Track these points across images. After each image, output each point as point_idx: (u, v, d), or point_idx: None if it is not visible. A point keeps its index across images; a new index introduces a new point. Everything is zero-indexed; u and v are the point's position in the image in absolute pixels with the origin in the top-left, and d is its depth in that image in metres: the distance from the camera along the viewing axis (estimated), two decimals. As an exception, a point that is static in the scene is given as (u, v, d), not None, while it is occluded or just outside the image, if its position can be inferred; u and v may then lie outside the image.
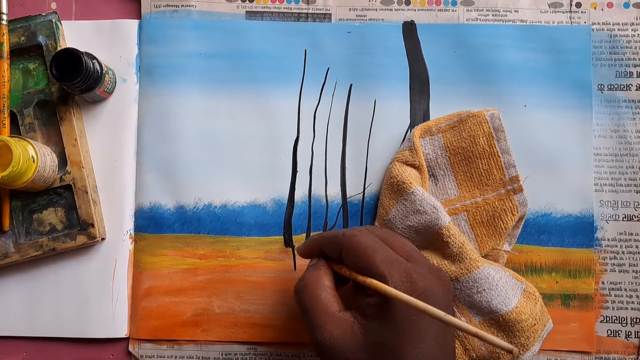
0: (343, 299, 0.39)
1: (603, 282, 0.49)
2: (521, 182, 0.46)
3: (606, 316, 0.48)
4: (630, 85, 0.50)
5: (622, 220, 0.49)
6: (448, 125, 0.48)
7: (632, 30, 0.50)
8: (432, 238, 0.45)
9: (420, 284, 0.37)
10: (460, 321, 0.34)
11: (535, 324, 0.44)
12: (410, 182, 0.45)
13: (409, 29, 0.50)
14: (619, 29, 0.50)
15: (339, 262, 0.40)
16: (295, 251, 0.44)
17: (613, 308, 0.48)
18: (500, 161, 0.47)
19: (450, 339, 0.38)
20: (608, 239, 0.49)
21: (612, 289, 0.49)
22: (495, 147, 0.47)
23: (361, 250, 0.38)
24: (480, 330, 0.33)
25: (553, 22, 0.50)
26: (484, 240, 0.47)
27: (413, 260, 0.39)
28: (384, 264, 0.37)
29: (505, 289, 0.44)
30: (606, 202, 0.49)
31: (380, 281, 0.37)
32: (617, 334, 0.48)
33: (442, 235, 0.44)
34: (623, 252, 0.49)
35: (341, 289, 0.41)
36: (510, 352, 0.32)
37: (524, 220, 0.48)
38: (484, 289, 0.44)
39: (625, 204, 0.49)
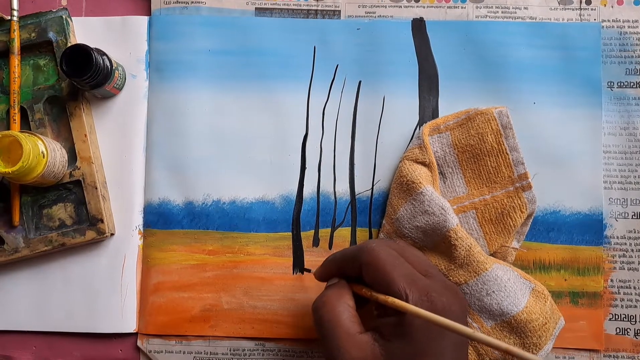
0: (362, 320, 0.39)
1: (612, 280, 0.48)
2: (530, 180, 0.46)
3: (615, 314, 0.48)
4: (640, 83, 0.49)
5: (632, 218, 0.49)
6: (456, 123, 0.48)
7: (642, 27, 0.50)
8: (439, 240, 0.45)
9: (439, 303, 0.37)
10: (488, 337, 0.33)
11: (546, 323, 0.44)
12: (420, 182, 0.45)
13: (418, 26, 0.50)
14: (629, 26, 0.50)
15: (357, 281, 0.40)
16: (313, 275, 0.43)
17: (622, 306, 0.48)
18: (509, 158, 0.47)
19: (466, 353, 0.39)
20: (617, 237, 0.49)
21: (621, 287, 0.48)
22: (503, 145, 0.47)
23: (381, 265, 0.38)
24: (511, 346, 0.33)
25: (563, 19, 0.50)
26: (492, 237, 0.47)
27: (430, 277, 0.39)
28: (404, 281, 0.37)
29: (514, 289, 0.44)
30: (615, 200, 0.49)
31: (400, 299, 0.36)
32: (625, 332, 0.48)
33: (449, 238, 0.44)
34: (632, 250, 0.48)
35: (359, 310, 0.40)
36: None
37: (532, 217, 0.47)
38: (494, 291, 0.44)
39: (634, 202, 0.49)
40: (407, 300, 0.36)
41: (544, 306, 0.44)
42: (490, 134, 0.47)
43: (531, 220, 0.48)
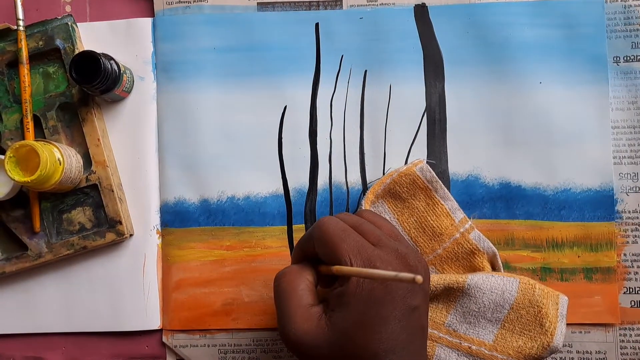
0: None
1: (625, 254, 0.49)
2: (470, 222, 0.48)
3: (629, 287, 0.49)
4: (646, 56, 0.49)
5: (643, 192, 0.49)
6: (384, 190, 0.48)
7: (646, -1, 0.49)
8: None
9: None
10: (402, 273, 0.32)
11: (542, 308, 0.44)
12: None
13: (421, 12, 0.50)
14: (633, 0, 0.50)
15: (322, 262, 0.40)
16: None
17: (636, 279, 0.49)
18: (445, 208, 0.48)
19: (417, 320, 0.37)
20: (629, 211, 0.49)
21: (635, 260, 0.49)
22: (435, 198, 0.48)
23: (329, 239, 0.38)
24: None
25: (566, -4, 0.50)
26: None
27: (381, 246, 0.38)
28: (349, 252, 0.37)
29: (500, 284, 0.45)
30: (626, 175, 0.49)
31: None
32: (640, 304, 0.49)
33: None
34: (644, 224, 0.49)
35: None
36: (412, 281, 0.31)
37: (498, 257, 0.48)
38: (482, 293, 0.45)
39: (645, 176, 0.49)
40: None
41: (532, 296, 0.45)
42: (420, 192, 0.48)
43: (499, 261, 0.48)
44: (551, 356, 0.49)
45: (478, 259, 0.47)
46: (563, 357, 0.49)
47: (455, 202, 0.48)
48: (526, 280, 0.45)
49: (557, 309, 0.45)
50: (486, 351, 0.45)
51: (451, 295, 0.46)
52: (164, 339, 0.50)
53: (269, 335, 0.50)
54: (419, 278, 0.31)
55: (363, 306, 0.36)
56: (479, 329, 0.45)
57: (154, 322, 0.50)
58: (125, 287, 0.50)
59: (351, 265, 0.36)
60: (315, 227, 0.39)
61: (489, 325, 0.45)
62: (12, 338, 0.51)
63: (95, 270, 0.50)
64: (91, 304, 0.50)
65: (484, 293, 0.45)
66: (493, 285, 0.45)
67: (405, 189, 0.48)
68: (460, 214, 0.48)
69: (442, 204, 0.48)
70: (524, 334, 0.45)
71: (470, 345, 0.45)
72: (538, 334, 0.44)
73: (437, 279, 0.46)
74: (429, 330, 0.46)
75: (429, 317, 0.45)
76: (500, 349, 0.44)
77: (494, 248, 0.47)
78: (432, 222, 0.48)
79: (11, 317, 0.51)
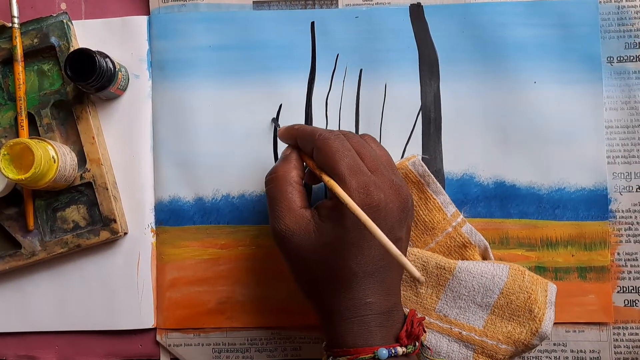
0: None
1: (619, 253, 0.49)
2: (462, 216, 0.48)
3: (623, 286, 0.49)
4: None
5: (636, 191, 0.49)
6: None
7: (640, 0, 0.50)
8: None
9: (376, 197, 0.38)
10: (391, 244, 0.35)
11: (531, 294, 0.45)
12: None
13: (416, 11, 0.50)
14: (626, 0, 0.50)
15: (311, 156, 0.42)
16: (277, 132, 0.46)
17: (629, 278, 0.49)
18: (437, 202, 0.48)
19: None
20: (622, 211, 0.49)
21: (628, 259, 0.49)
22: (428, 192, 0.48)
23: (330, 154, 0.39)
24: (398, 252, 0.35)
25: (560, -3, 0.50)
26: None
27: (377, 173, 0.40)
28: (347, 171, 0.39)
29: (490, 270, 0.45)
30: (619, 174, 0.49)
31: (341, 187, 0.38)
32: (634, 303, 0.49)
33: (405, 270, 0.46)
34: (638, 223, 0.49)
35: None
36: (418, 280, 0.34)
37: (489, 250, 0.48)
38: (472, 277, 0.45)
39: (638, 175, 0.49)
40: (345, 189, 0.38)
41: (522, 282, 0.45)
42: (413, 186, 0.48)
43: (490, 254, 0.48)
44: (546, 356, 0.49)
45: (470, 252, 0.47)
46: (557, 357, 0.49)
47: (448, 197, 0.48)
48: (516, 267, 0.46)
49: (546, 296, 0.45)
50: (476, 337, 0.45)
51: (441, 278, 0.46)
52: (158, 338, 0.50)
53: (264, 334, 0.50)
54: (423, 280, 0.35)
55: (351, 226, 0.38)
56: (469, 314, 0.45)
57: (148, 320, 0.50)
58: (120, 286, 0.50)
59: (346, 185, 0.38)
60: (320, 137, 0.40)
61: (479, 310, 0.45)
62: (5, 337, 0.51)
63: (89, 269, 0.50)
64: (85, 302, 0.50)
65: (474, 277, 0.45)
66: (483, 269, 0.45)
67: None
68: (452, 208, 0.48)
69: (435, 198, 0.48)
70: (514, 319, 0.45)
71: (460, 331, 0.45)
72: (527, 319, 0.45)
73: (430, 255, 0.46)
74: (420, 315, 0.46)
75: (419, 303, 0.46)
76: (490, 335, 0.45)
77: (486, 242, 0.48)
78: (424, 216, 0.48)
79: (4, 316, 0.50)
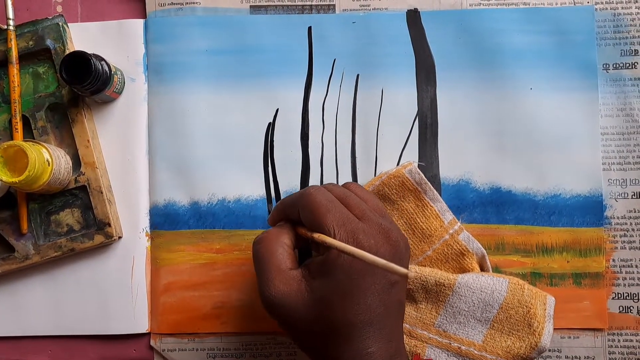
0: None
1: (614, 260, 0.49)
2: (460, 223, 0.48)
3: (618, 293, 0.49)
4: (635, 64, 0.50)
5: (631, 198, 0.49)
6: (373, 192, 0.48)
7: (635, 8, 0.50)
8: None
9: (365, 244, 0.37)
10: (380, 259, 0.34)
11: (530, 308, 0.45)
12: None
13: (413, 17, 0.50)
14: (622, 7, 0.50)
15: (302, 224, 0.41)
16: (267, 221, 0.45)
17: (624, 285, 0.49)
18: (435, 210, 0.48)
19: (395, 295, 0.39)
20: (617, 217, 0.49)
21: (623, 266, 0.49)
22: (425, 200, 0.48)
23: (315, 209, 0.38)
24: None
25: (556, 4, 0.50)
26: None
27: (365, 220, 0.39)
28: (334, 222, 0.38)
29: (489, 283, 0.45)
30: (615, 181, 0.50)
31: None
32: (629, 310, 0.49)
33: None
34: (633, 230, 0.49)
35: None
36: (405, 275, 0.33)
37: (487, 258, 0.48)
38: (472, 292, 0.45)
39: (633, 182, 0.49)
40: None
41: (521, 296, 0.45)
42: (410, 194, 0.48)
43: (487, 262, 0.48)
44: (540, 361, 0.49)
45: (467, 260, 0.47)
46: (552, 362, 0.49)
47: (445, 204, 0.48)
48: (515, 281, 0.46)
49: (545, 309, 0.45)
50: (475, 351, 0.45)
51: (441, 294, 0.46)
52: (152, 343, 0.50)
53: (259, 340, 0.50)
54: (412, 274, 0.33)
55: (343, 276, 0.37)
56: (468, 329, 0.45)
57: (142, 325, 0.50)
58: (114, 290, 0.50)
59: (334, 236, 0.37)
60: (303, 194, 0.40)
61: (479, 325, 0.45)
62: (-3, 341, 0.50)
63: (83, 273, 0.50)
64: (78, 306, 0.50)
65: (473, 292, 0.45)
66: (483, 284, 0.45)
67: (395, 191, 0.48)
68: (449, 216, 0.48)
69: (432, 206, 0.48)
70: (513, 334, 0.45)
71: (460, 346, 0.45)
72: (526, 334, 0.45)
73: (429, 272, 0.46)
74: (419, 331, 0.46)
75: (419, 318, 0.46)
76: (489, 349, 0.45)
77: (483, 249, 0.48)
78: (421, 223, 0.48)
79: (-3, 320, 0.50)
